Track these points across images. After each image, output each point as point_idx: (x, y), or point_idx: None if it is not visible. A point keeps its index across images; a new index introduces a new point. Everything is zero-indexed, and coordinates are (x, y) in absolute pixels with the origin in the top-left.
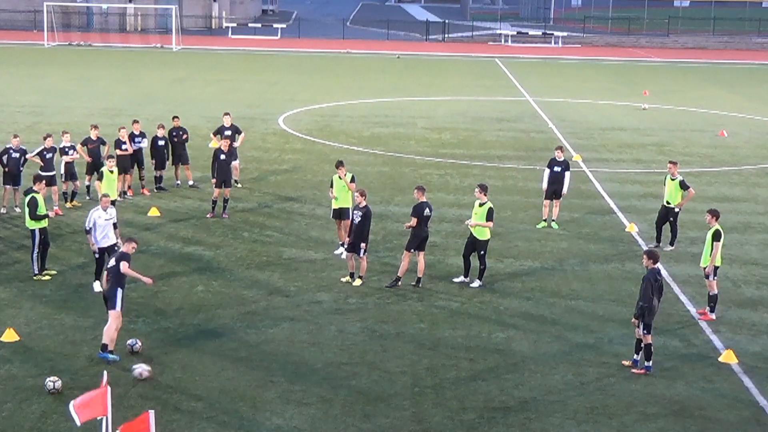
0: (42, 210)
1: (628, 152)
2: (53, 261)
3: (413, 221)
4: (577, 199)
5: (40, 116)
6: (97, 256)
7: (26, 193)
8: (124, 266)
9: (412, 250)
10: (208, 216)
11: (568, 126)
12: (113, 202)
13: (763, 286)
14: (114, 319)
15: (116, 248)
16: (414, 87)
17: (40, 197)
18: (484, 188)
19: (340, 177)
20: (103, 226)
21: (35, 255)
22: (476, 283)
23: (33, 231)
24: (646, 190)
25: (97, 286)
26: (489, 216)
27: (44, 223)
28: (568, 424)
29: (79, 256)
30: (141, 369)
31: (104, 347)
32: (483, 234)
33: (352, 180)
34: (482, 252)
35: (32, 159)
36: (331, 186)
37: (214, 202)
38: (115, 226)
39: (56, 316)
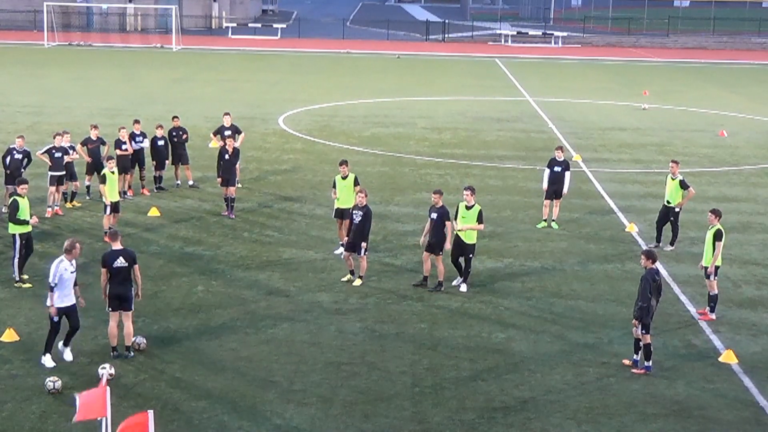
0: (23, 214)
1: (628, 152)
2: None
3: (452, 227)
4: (577, 199)
5: (40, 116)
6: (55, 319)
7: (10, 196)
8: (137, 270)
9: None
10: (223, 214)
11: (568, 126)
12: (116, 204)
13: (763, 286)
14: (131, 318)
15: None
16: (414, 87)
17: (22, 201)
18: (473, 190)
19: (342, 177)
20: (67, 281)
21: (16, 261)
22: (463, 287)
23: (13, 236)
24: (646, 190)
25: (49, 361)
26: (480, 218)
27: (26, 228)
28: (568, 424)
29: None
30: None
31: (128, 348)
32: (471, 237)
33: (356, 183)
34: (470, 255)
35: (40, 157)
36: (334, 186)
37: (227, 200)
38: (75, 282)
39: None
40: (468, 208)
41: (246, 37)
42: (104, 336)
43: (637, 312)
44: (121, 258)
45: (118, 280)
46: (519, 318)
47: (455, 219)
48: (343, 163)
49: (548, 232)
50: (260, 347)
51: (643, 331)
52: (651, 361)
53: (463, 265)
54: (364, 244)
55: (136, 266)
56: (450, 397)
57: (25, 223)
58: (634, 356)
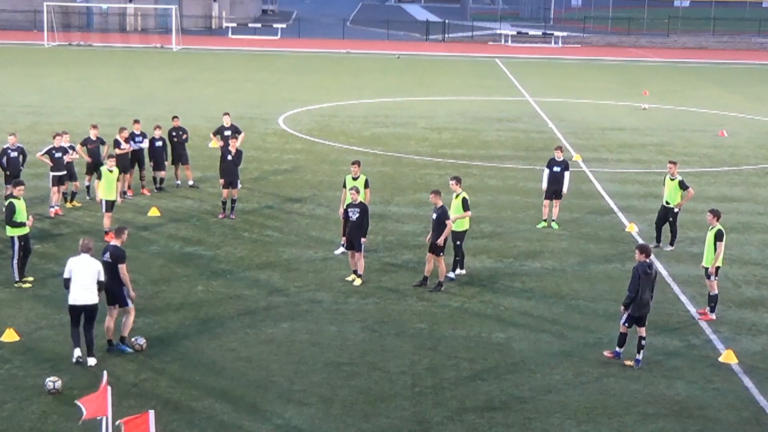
0: (19, 217)
1: (628, 152)
2: (54, 260)
3: (450, 226)
4: (577, 199)
5: (40, 116)
6: None
7: (6, 198)
8: (123, 270)
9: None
10: (220, 216)
11: (568, 126)
12: (112, 204)
13: (763, 286)
14: (133, 313)
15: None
16: (414, 87)
17: (18, 203)
18: (458, 180)
19: (353, 177)
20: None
21: (15, 262)
22: (457, 272)
23: (12, 238)
24: (646, 190)
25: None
26: (465, 206)
27: (24, 230)
28: (568, 424)
29: None
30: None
31: (123, 339)
32: (460, 225)
33: (366, 185)
34: (458, 243)
35: (41, 158)
36: (344, 186)
37: (224, 203)
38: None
39: (56, 316)
40: (455, 197)
41: (246, 37)
42: (105, 335)
43: (626, 300)
44: (108, 253)
45: (107, 274)
46: (519, 318)
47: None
48: (356, 163)
49: (548, 232)
50: (260, 347)
51: (626, 323)
52: (641, 347)
53: (453, 251)
54: (363, 240)
55: (121, 266)
56: (450, 397)
57: (21, 225)
58: (636, 355)
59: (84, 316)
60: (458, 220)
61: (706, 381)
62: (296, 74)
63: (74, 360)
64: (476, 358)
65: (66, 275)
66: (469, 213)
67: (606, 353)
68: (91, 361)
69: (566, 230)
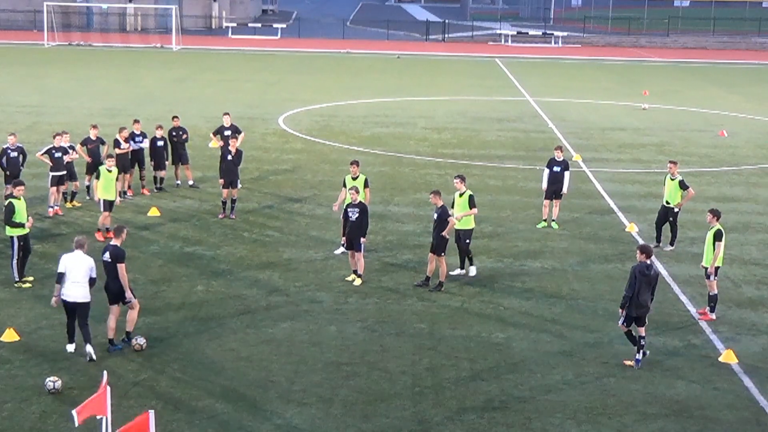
0: (18, 217)
1: (628, 152)
2: (54, 260)
3: (453, 222)
4: (577, 199)
5: (40, 116)
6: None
7: (5, 198)
8: (122, 270)
9: (443, 254)
10: (219, 216)
11: (568, 126)
12: (111, 204)
13: (763, 286)
14: (137, 307)
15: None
16: (414, 87)
17: (18, 203)
18: (463, 178)
19: (353, 177)
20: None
21: (14, 262)
22: (473, 271)
23: (11, 238)
24: (646, 190)
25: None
26: (471, 203)
27: (23, 230)
28: (568, 424)
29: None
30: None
31: (128, 335)
32: (467, 223)
33: (366, 185)
34: (467, 241)
35: (41, 158)
36: (344, 186)
37: (224, 203)
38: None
39: (56, 316)
40: (460, 195)
41: (246, 37)
42: (105, 335)
43: (622, 300)
44: (107, 253)
45: (107, 274)
46: (519, 318)
47: (452, 207)
48: (354, 163)
49: (548, 232)
50: (260, 347)
51: (624, 323)
52: (641, 347)
53: (459, 252)
54: (363, 240)
55: (121, 265)
56: (450, 397)
57: (21, 225)
58: (636, 355)
59: (77, 314)
60: (465, 218)
61: (706, 381)
62: (296, 74)
63: (69, 352)
64: (476, 358)
65: (60, 269)
66: (475, 210)
67: (633, 361)
68: (89, 348)
69: (566, 230)
